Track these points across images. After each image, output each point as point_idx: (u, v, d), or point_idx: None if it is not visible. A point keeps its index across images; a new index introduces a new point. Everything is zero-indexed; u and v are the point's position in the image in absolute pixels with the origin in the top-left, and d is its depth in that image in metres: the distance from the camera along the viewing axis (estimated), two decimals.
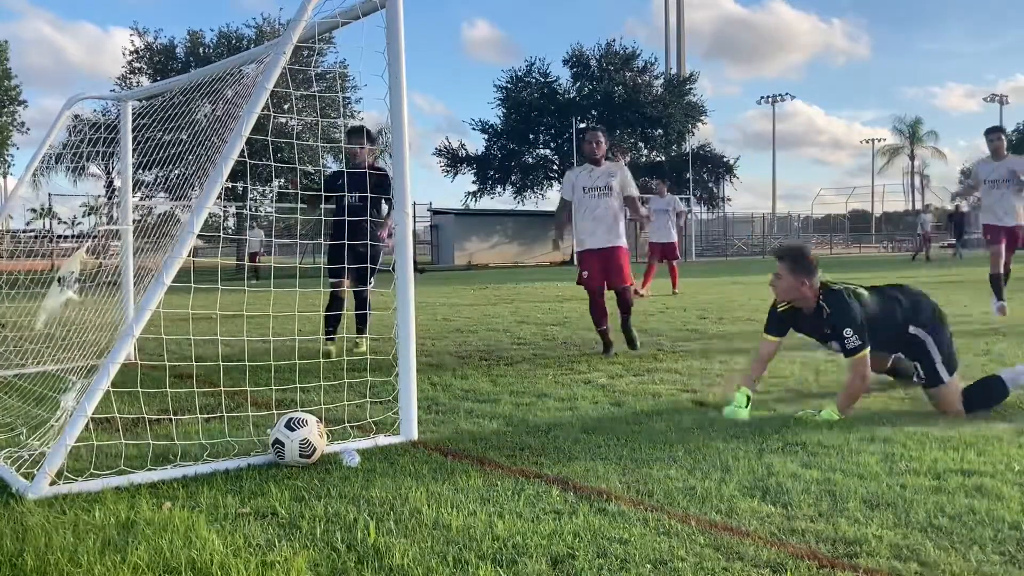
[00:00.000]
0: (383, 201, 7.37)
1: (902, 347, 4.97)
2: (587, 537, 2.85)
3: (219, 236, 28.53)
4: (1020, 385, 4.85)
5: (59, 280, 5.63)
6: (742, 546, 2.74)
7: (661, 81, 46.68)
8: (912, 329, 4.82)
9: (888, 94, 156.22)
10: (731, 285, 17.56)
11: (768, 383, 5.47)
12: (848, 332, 4.61)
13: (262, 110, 3.86)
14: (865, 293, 4.83)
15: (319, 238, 6.55)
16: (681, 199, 15.97)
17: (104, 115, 23.05)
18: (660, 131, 44.51)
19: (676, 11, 45.12)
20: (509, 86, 44.37)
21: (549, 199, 46.10)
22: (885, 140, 68.67)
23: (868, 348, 4.63)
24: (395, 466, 3.78)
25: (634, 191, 7.52)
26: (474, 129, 45.92)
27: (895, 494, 3.24)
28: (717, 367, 6.37)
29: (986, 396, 4.81)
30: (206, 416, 4.51)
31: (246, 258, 26.85)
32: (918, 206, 64.60)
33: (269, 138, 4.38)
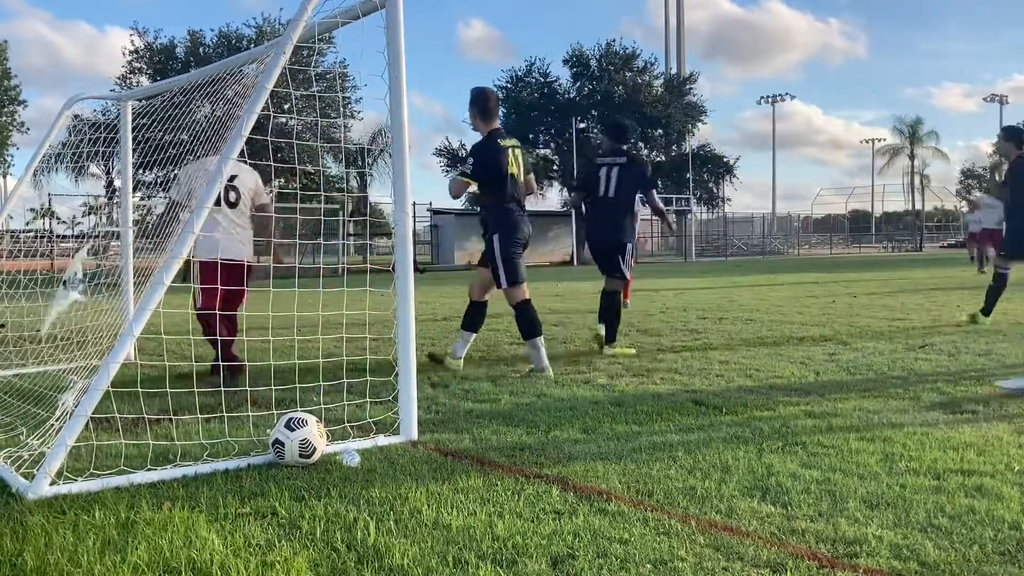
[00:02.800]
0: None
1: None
2: (587, 537, 2.85)
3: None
4: (535, 350, 6.17)
5: (64, 283, 5.62)
6: (742, 546, 2.74)
7: (661, 81, 46.70)
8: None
9: (885, 94, 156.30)
10: (731, 286, 17.56)
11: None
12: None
13: (262, 110, 3.86)
14: None
15: (318, 238, 6.47)
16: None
17: (104, 115, 23.03)
18: (660, 131, 44.53)
19: (676, 11, 45.19)
20: (509, 86, 44.39)
21: (549, 199, 46.11)
22: (885, 140, 68.53)
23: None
24: (395, 466, 3.78)
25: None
26: (474, 129, 45.82)
27: (895, 494, 3.24)
28: (717, 367, 6.37)
29: (528, 327, 6.20)
30: (206, 416, 4.50)
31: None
32: (918, 206, 64.60)
33: (269, 138, 4.38)
